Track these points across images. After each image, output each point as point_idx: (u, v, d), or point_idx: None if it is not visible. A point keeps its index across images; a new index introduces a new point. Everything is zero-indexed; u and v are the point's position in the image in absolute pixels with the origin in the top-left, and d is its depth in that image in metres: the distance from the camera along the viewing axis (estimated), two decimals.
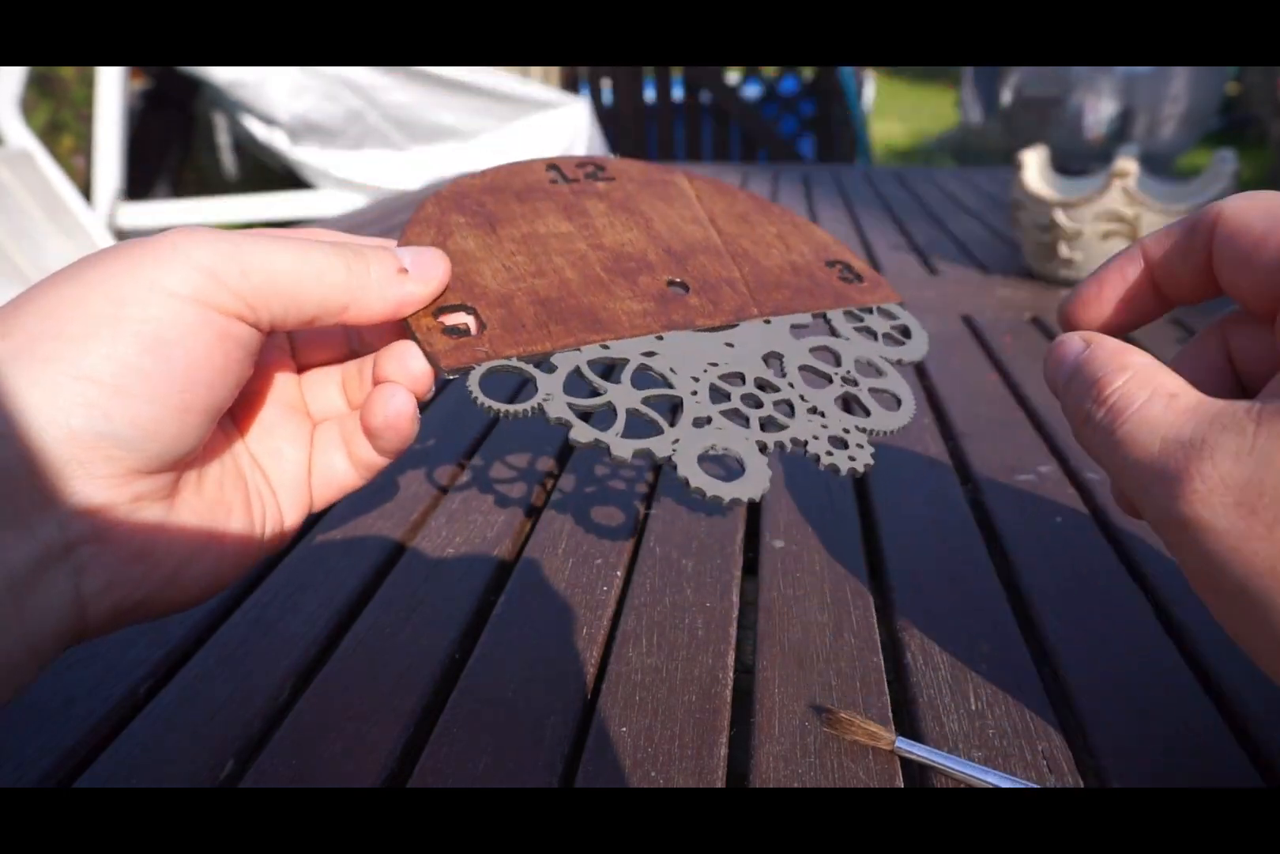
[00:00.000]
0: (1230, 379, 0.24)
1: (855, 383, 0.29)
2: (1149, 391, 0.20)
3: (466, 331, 0.24)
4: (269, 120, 2.32)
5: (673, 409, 0.25)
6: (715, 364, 0.27)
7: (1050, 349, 0.23)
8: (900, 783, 0.24)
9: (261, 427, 0.25)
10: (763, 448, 0.25)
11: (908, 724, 0.26)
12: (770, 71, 3.12)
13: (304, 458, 0.25)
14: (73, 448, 0.18)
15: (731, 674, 0.28)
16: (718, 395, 0.26)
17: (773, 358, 0.29)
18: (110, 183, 2.07)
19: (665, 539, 0.36)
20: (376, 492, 0.40)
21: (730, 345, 0.28)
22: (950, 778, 0.24)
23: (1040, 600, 0.31)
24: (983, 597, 0.32)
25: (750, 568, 0.34)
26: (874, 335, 0.31)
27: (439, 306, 0.25)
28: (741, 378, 0.27)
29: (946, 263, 0.84)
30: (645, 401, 0.25)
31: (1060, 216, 0.70)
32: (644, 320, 0.28)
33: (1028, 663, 0.28)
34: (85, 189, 2.04)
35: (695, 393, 0.26)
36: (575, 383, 0.25)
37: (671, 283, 0.30)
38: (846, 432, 0.26)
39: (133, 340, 0.19)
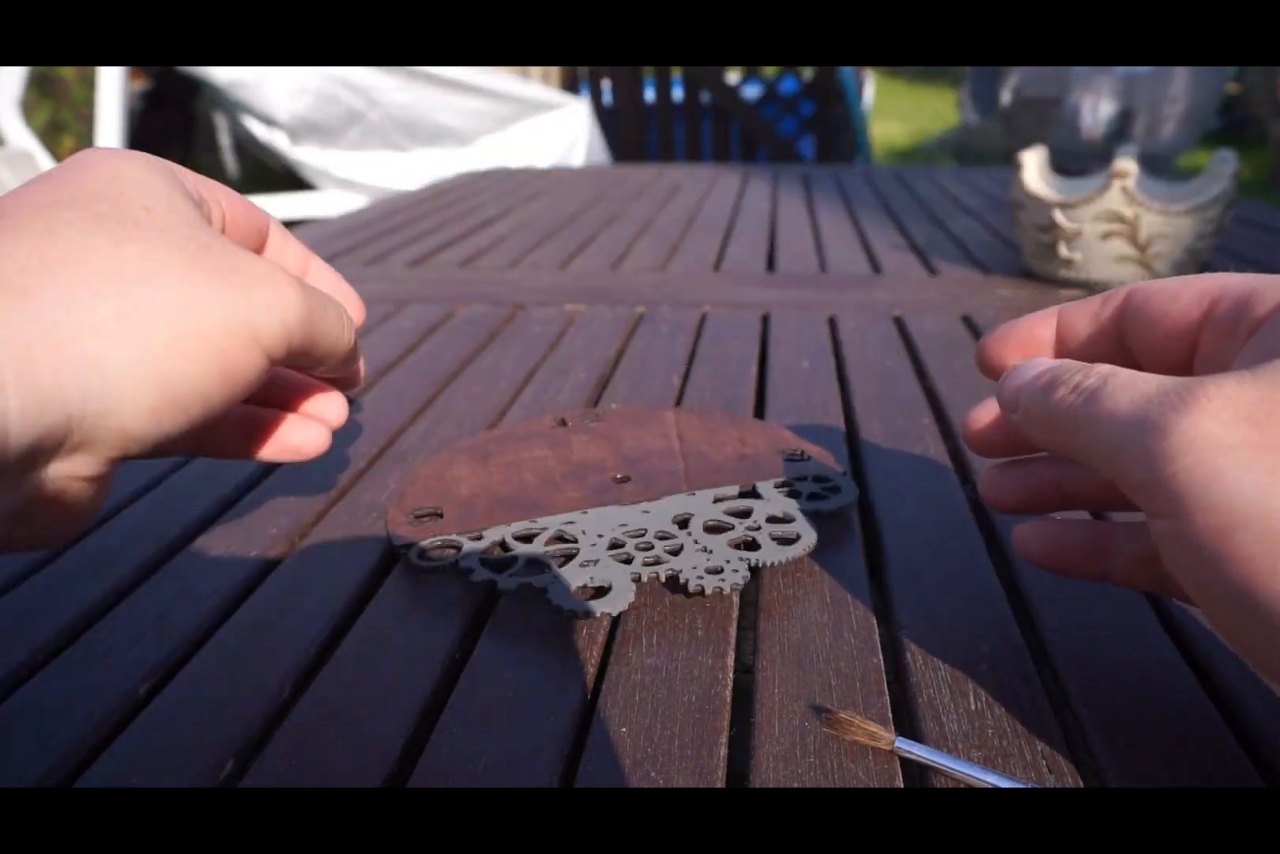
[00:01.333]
0: None
1: (758, 529, 0.34)
2: (1124, 371, 0.20)
3: (428, 520, 0.34)
4: (269, 120, 2.32)
5: (571, 557, 0.32)
6: (625, 525, 0.34)
7: (1004, 379, 0.24)
8: (900, 783, 0.24)
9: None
10: (636, 579, 0.31)
11: (907, 724, 0.26)
12: (770, 71, 3.11)
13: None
14: (105, 434, 0.19)
15: (731, 674, 0.28)
16: (614, 545, 0.33)
17: (683, 519, 0.35)
18: None
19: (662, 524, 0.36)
20: (378, 492, 0.40)
21: (646, 512, 0.35)
22: (950, 778, 0.24)
23: (1040, 600, 0.31)
24: (983, 597, 0.32)
25: (751, 568, 0.34)
26: (798, 494, 0.36)
27: (414, 511, 0.35)
28: (645, 532, 0.33)
29: (946, 263, 0.84)
30: (546, 554, 0.32)
31: (1060, 217, 0.70)
32: (576, 503, 0.36)
33: (1028, 663, 0.28)
34: None
35: (594, 544, 0.33)
36: (496, 548, 0.33)
37: (615, 478, 0.38)
38: (727, 562, 0.31)
39: (205, 365, 0.20)
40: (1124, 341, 0.25)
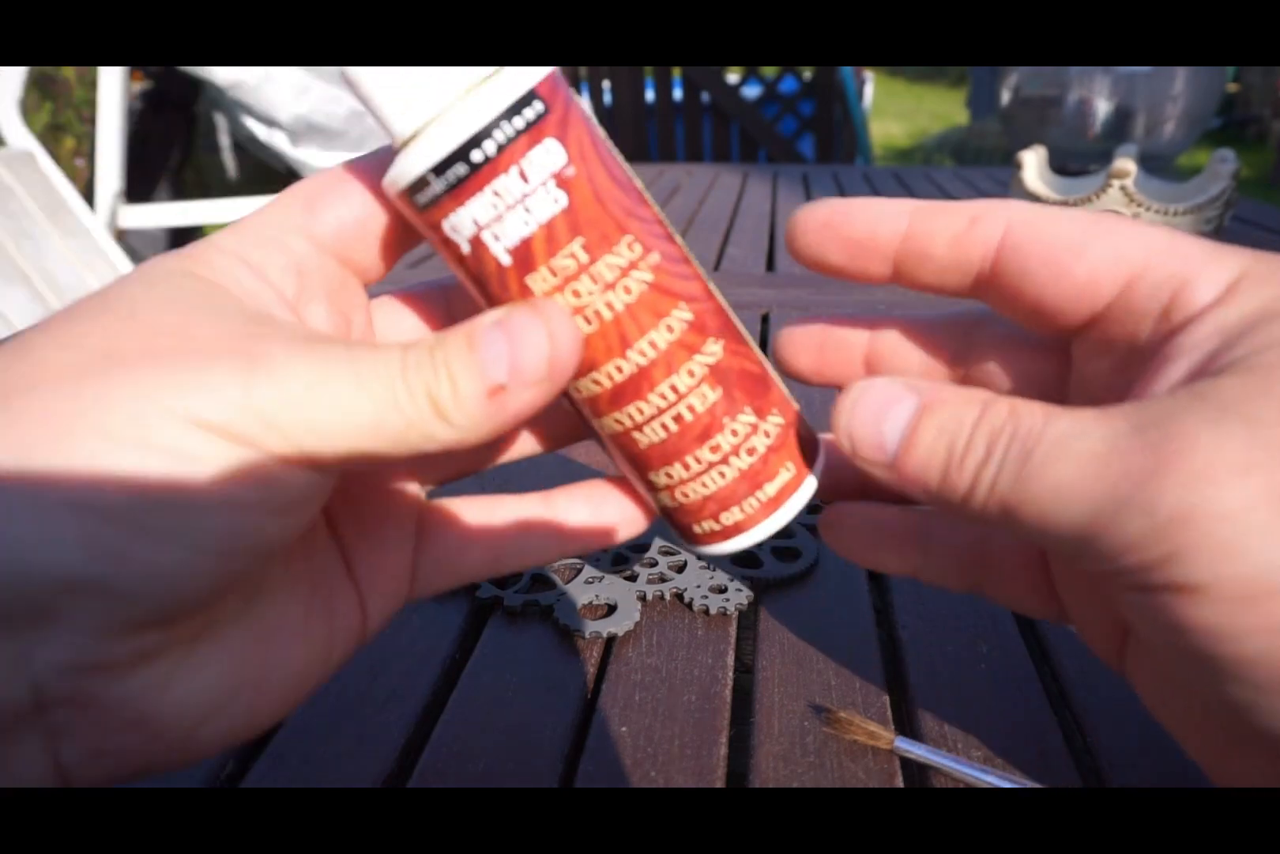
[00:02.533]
0: None
1: (760, 545, 0.33)
2: (1039, 409, 0.16)
3: None
4: (270, 121, 2.33)
5: (576, 572, 0.33)
6: (629, 540, 0.33)
7: (851, 408, 0.18)
8: (900, 783, 0.24)
9: (352, 510, 0.20)
10: (642, 597, 0.31)
11: (907, 724, 0.26)
12: (770, 71, 3.12)
13: (410, 536, 0.20)
14: (54, 591, 0.14)
15: (731, 674, 0.28)
16: (618, 560, 0.33)
17: None
18: (111, 184, 2.07)
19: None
20: None
21: (651, 528, 0.33)
22: (950, 778, 0.24)
23: None
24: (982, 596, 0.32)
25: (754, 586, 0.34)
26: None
27: None
28: (648, 547, 0.34)
29: None
30: (551, 569, 0.32)
31: None
32: None
33: (1027, 662, 0.28)
34: (86, 190, 2.04)
35: (598, 559, 0.33)
36: None
37: None
38: (731, 580, 0.31)
39: (158, 464, 0.15)
40: (994, 284, 0.19)
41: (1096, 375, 0.19)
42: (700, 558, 0.33)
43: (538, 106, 0.16)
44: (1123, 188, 0.67)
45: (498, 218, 0.16)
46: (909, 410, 0.17)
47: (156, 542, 0.15)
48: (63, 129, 2.19)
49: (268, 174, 2.72)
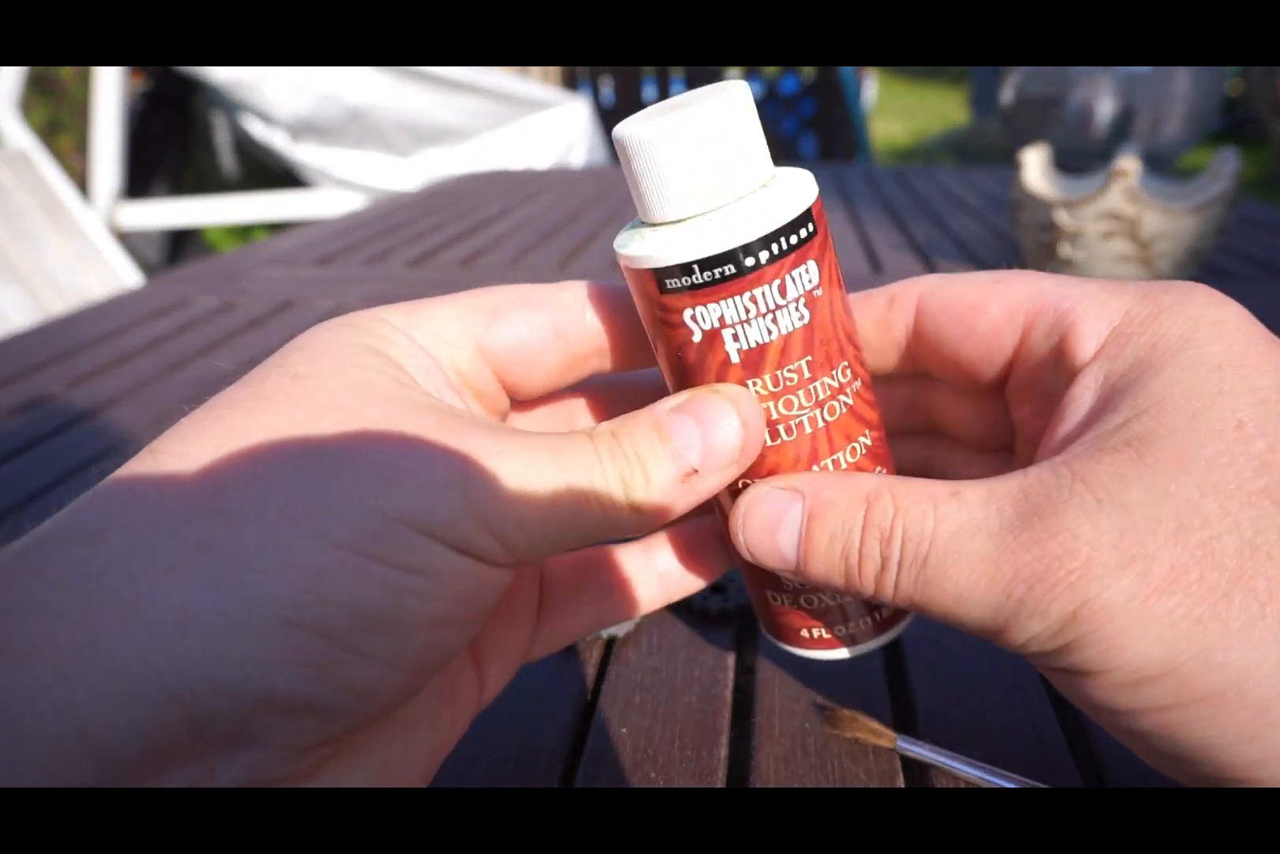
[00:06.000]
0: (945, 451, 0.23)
1: None
2: (924, 504, 0.16)
3: None
4: (268, 120, 2.33)
5: None
6: (628, 541, 0.34)
7: (744, 523, 0.18)
8: (901, 783, 0.24)
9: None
10: None
11: (908, 724, 0.26)
12: (771, 71, 3.11)
13: (534, 607, 0.21)
14: (262, 711, 0.13)
15: (732, 675, 0.28)
16: None
17: None
18: (109, 183, 2.07)
19: None
20: None
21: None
22: (951, 777, 0.24)
23: None
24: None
25: None
26: None
27: None
28: None
29: (947, 262, 0.84)
30: None
31: (1060, 216, 0.70)
32: None
33: (1027, 663, 0.28)
34: (85, 189, 2.04)
35: None
36: None
37: None
38: (731, 580, 0.32)
39: (379, 576, 0.14)
40: (918, 356, 0.20)
41: (1023, 420, 0.20)
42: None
43: (810, 227, 0.17)
44: (1125, 187, 0.67)
45: (744, 321, 0.17)
46: (797, 519, 0.17)
47: (366, 660, 0.14)
48: (61, 127, 2.19)
49: (266, 173, 2.72)
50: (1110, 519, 0.15)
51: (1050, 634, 0.15)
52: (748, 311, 0.17)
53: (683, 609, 0.31)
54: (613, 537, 0.16)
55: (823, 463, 0.18)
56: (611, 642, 0.30)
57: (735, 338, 0.17)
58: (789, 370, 0.17)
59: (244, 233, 2.70)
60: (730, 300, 0.17)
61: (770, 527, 0.18)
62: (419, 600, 0.14)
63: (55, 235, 1.69)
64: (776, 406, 0.18)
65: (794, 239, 0.17)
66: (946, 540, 0.16)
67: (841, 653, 0.21)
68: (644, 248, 0.17)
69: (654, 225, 0.17)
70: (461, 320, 0.18)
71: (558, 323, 0.18)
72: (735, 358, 0.17)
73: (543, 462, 0.15)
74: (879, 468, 0.19)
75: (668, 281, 0.17)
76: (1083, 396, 0.17)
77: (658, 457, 0.16)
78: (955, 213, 1.08)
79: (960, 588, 0.16)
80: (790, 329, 0.17)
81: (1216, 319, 0.17)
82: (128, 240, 2.08)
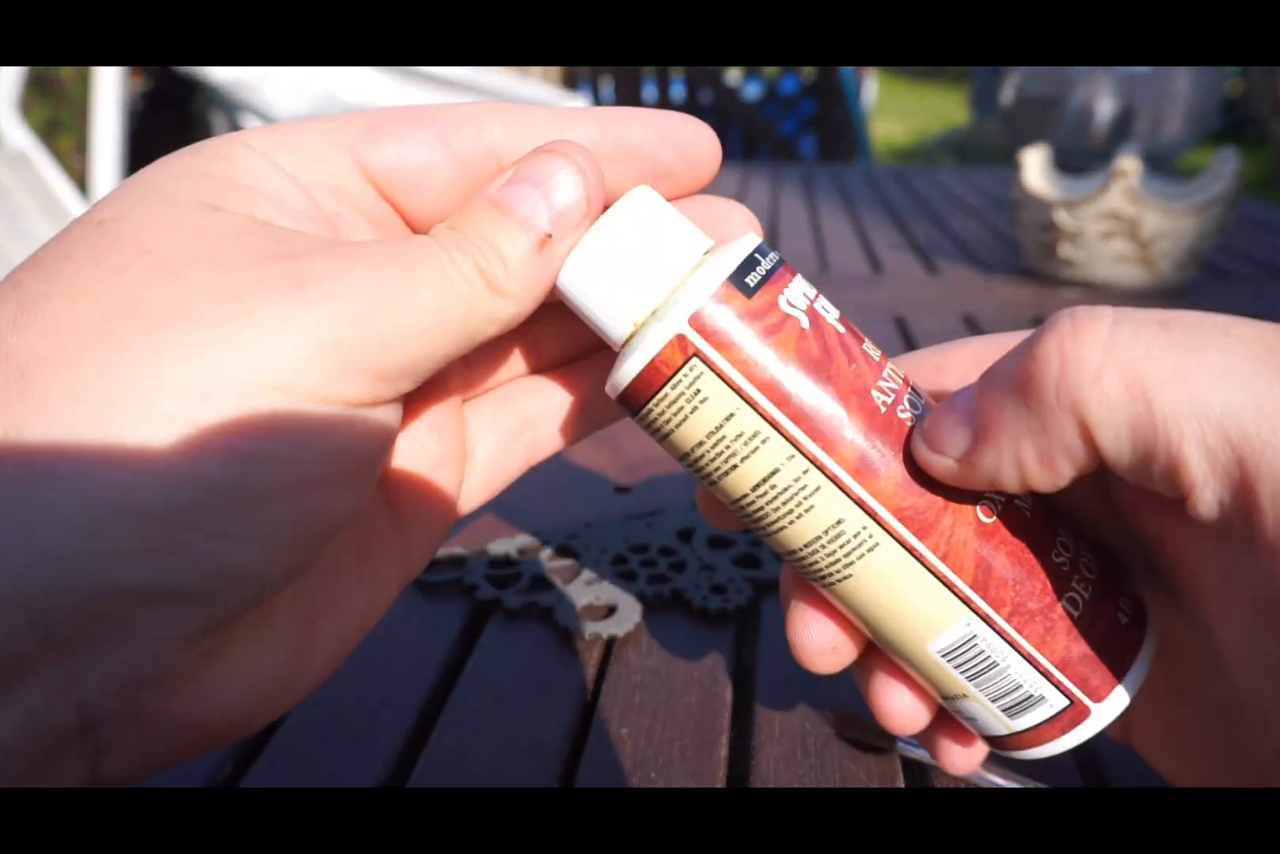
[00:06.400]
0: None
1: (760, 544, 0.34)
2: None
3: None
4: (268, 120, 2.33)
5: (575, 573, 0.33)
6: (627, 539, 0.34)
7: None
8: (901, 783, 0.24)
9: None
10: (642, 597, 0.31)
11: None
12: (771, 71, 3.11)
13: (455, 462, 0.18)
14: (113, 604, 0.12)
15: (732, 675, 0.28)
16: (617, 560, 0.33)
17: (685, 532, 0.35)
18: (109, 183, 2.07)
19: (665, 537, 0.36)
20: None
21: (650, 526, 0.35)
22: (951, 777, 0.24)
23: None
24: None
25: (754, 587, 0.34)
26: None
27: None
28: (647, 548, 0.34)
29: (947, 262, 0.84)
30: (550, 569, 0.33)
31: (1061, 216, 0.70)
32: (579, 514, 0.36)
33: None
34: (85, 189, 2.04)
35: (598, 560, 0.33)
36: (500, 561, 0.33)
37: (617, 488, 0.38)
38: (730, 581, 0.32)
39: (221, 450, 0.12)
40: None
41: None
42: (700, 558, 0.33)
43: (770, 258, 0.16)
44: (1125, 187, 0.67)
45: (818, 295, 0.16)
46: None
47: (226, 539, 0.13)
48: (61, 126, 2.19)
49: None
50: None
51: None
52: (809, 289, 0.16)
53: (683, 609, 0.31)
54: (489, 332, 0.15)
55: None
56: (611, 642, 0.30)
57: (826, 311, 0.16)
58: (869, 343, 0.17)
59: None
60: (796, 279, 0.16)
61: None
62: (277, 466, 0.13)
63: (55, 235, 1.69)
64: (891, 369, 0.17)
65: (772, 261, 0.16)
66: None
67: (1045, 750, 0.18)
68: (703, 278, 0.16)
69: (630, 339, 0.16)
70: (334, 136, 0.16)
71: (447, 136, 0.16)
72: (841, 329, 0.16)
73: (389, 273, 0.14)
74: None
75: (746, 280, 0.16)
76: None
77: (506, 231, 0.15)
78: (955, 213, 1.08)
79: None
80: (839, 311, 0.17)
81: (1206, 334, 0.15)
82: None
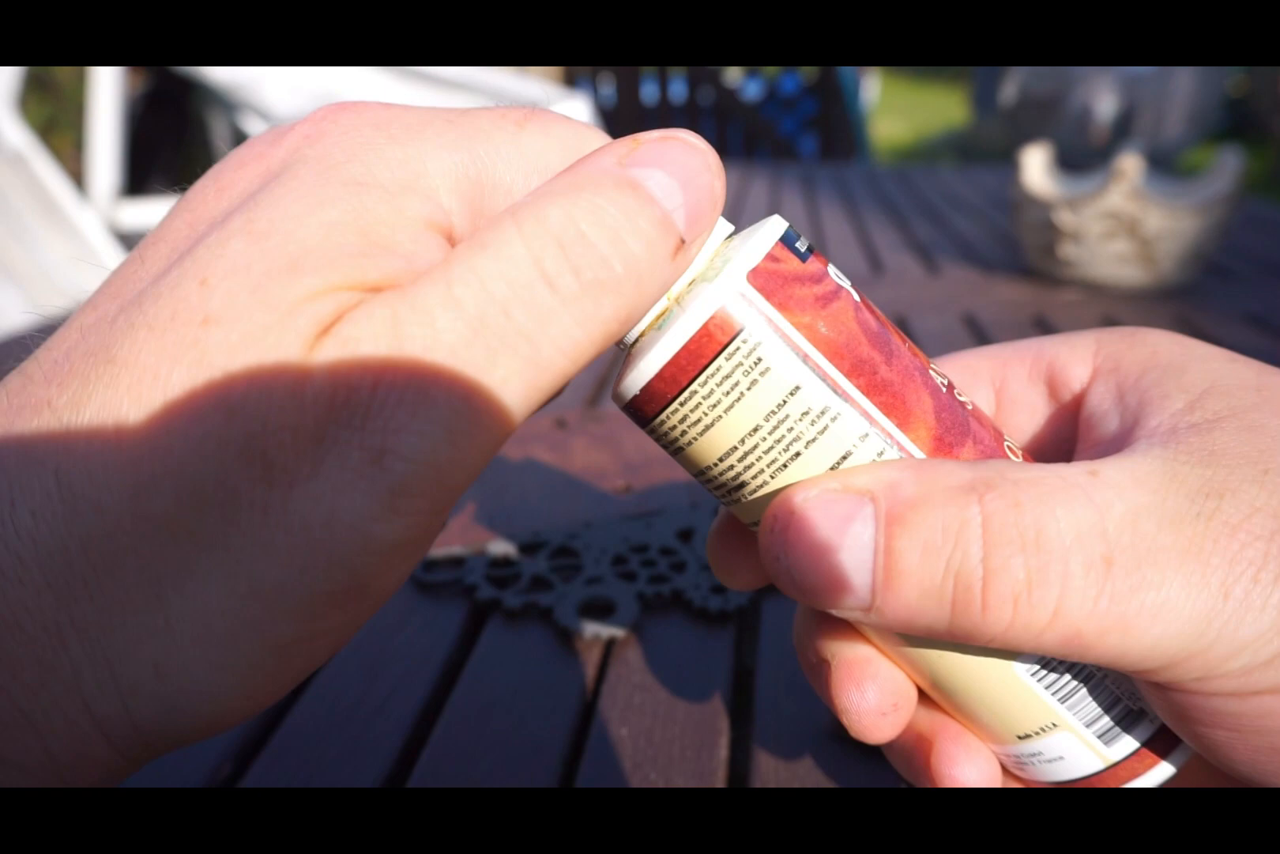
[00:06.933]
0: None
1: None
2: (1068, 489, 0.13)
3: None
4: (267, 119, 2.33)
5: (575, 573, 0.33)
6: (627, 538, 0.34)
7: (782, 539, 0.13)
8: (902, 783, 0.24)
9: None
10: (641, 597, 0.31)
11: None
12: (771, 70, 3.12)
13: None
14: (109, 734, 0.12)
15: (732, 675, 0.28)
16: (617, 560, 0.33)
17: (685, 532, 0.35)
18: (107, 182, 2.07)
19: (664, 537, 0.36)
20: None
21: (650, 526, 0.35)
22: None
23: None
24: None
25: None
26: None
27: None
28: (647, 547, 0.34)
29: (948, 262, 0.84)
30: (550, 569, 0.33)
31: (1061, 216, 0.70)
32: (579, 514, 0.36)
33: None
34: (83, 189, 2.04)
35: (597, 560, 0.33)
36: (500, 561, 0.33)
37: (617, 488, 0.38)
38: None
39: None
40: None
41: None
42: (700, 558, 0.33)
43: (803, 244, 0.15)
44: (1126, 186, 0.66)
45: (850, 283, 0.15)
46: (869, 529, 0.13)
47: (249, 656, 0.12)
48: (59, 125, 2.19)
49: None
50: None
51: (1272, 637, 0.12)
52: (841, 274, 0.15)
53: (683, 609, 0.31)
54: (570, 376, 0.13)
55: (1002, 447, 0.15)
56: (611, 642, 0.30)
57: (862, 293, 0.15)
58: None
59: None
60: (831, 265, 0.15)
61: (827, 542, 0.13)
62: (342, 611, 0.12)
63: (53, 235, 1.69)
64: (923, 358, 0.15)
65: (802, 246, 0.15)
66: (1131, 535, 0.12)
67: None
68: (747, 251, 0.14)
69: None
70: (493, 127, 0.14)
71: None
72: (878, 313, 0.15)
73: (470, 394, 0.11)
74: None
75: (796, 246, 0.14)
76: (1104, 403, 0.16)
77: (645, 232, 0.12)
78: (956, 212, 1.07)
79: (1167, 596, 0.12)
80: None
81: (1180, 338, 0.17)
82: (126, 240, 2.08)
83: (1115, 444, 0.16)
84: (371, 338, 0.11)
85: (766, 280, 0.13)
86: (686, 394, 0.13)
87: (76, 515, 0.11)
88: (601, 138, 0.14)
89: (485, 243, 0.12)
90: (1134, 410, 0.16)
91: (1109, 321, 0.64)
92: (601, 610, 0.31)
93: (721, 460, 0.14)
